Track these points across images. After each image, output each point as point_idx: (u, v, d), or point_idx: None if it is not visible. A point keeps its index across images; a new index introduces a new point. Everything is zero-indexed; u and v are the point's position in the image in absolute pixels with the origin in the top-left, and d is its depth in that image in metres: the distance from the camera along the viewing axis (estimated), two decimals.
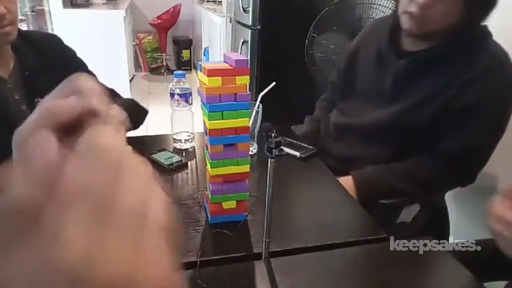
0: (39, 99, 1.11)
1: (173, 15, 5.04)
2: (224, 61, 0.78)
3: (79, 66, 1.27)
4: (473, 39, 1.04)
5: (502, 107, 1.02)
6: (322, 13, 2.00)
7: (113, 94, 1.35)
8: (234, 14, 2.90)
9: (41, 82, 1.12)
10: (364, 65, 1.25)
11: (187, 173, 1.05)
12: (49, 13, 3.66)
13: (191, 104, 1.15)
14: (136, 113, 1.30)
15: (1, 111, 1.05)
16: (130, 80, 4.37)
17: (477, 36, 1.05)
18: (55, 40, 1.23)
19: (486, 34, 1.06)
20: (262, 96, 1.06)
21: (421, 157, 1.09)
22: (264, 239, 0.69)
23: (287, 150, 1.15)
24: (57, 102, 0.22)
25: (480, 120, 1.02)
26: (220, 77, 0.72)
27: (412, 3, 1.00)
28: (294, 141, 1.23)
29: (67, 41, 1.26)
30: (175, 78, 1.13)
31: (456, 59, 1.04)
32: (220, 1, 4.20)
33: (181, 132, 1.18)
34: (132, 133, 1.35)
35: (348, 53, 1.33)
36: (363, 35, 1.31)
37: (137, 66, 5.18)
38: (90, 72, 1.31)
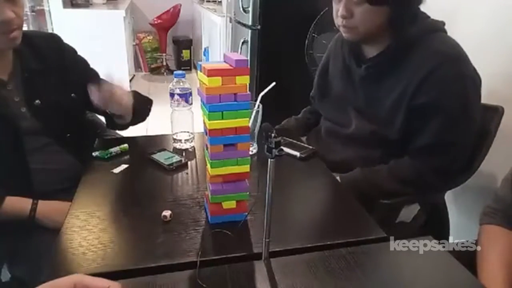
0: (38, 101, 1.11)
1: (173, 15, 5.04)
2: (224, 61, 0.78)
3: (79, 65, 1.26)
4: (419, 37, 1.06)
5: (460, 99, 1.03)
6: (322, 13, 2.00)
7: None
8: (234, 14, 2.90)
9: (40, 84, 1.11)
10: (334, 77, 1.30)
11: (187, 173, 1.05)
12: (49, 13, 3.67)
13: (191, 104, 1.15)
14: (143, 104, 1.30)
15: (0, 113, 1.04)
16: (130, 80, 4.38)
17: (424, 32, 1.06)
18: (54, 40, 1.22)
19: (436, 29, 1.08)
20: (262, 96, 1.06)
21: (402, 157, 1.12)
22: (264, 239, 0.69)
23: (287, 150, 1.15)
24: None
25: (440, 115, 1.03)
26: (220, 77, 0.72)
27: (337, 18, 1.09)
28: (294, 141, 1.23)
29: (67, 41, 1.26)
30: (175, 78, 1.13)
31: (407, 59, 1.06)
32: (220, 1, 4.20)
33: (181, 132, 1.18)
34: (132, 133, 1.36)
35: (320, 67, 1.39)
36: (330, 48, 1.36)
37: (137, 66, 5.18)
38: (91, 70, 1.30)
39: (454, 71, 1.01)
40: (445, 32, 1.10)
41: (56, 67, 1.16)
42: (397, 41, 1.07)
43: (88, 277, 0.45)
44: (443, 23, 1.11)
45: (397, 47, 1.08)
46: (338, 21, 1.10)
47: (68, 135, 1.17)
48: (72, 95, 1.18)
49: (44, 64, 1.13)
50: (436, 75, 1.01)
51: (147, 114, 1.33)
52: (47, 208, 1.04)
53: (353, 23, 1.06)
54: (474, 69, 1.05)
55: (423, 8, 1.12)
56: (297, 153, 1.15)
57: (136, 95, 1.26)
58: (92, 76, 1.29)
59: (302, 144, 1.23)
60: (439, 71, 1.01)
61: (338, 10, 1.07)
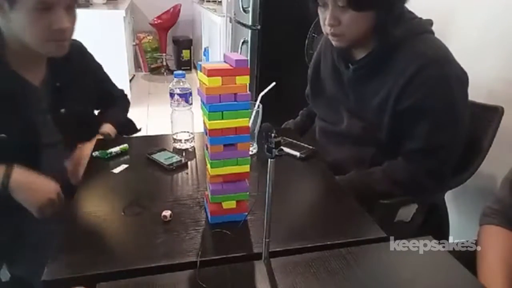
0: (64, 110, 1.12)
1: (173, 15, 5.04)
2: (224, 61, 0.78)
3: (97, 72, 1.30)
4: (404, 39, 1.06)
5: (446, 100, 1.03)
6: None
7: (121, 98, 1.38)
8: (234, 14, 2.90)
9: (68, 94, 1.13)
10: (325, 76, 1.30)
11: (187, 173, 1.05)
12: None
13: (191, 104, 1.15)
14: (125, 130, 1.35)
15: (29, 119, 1.04)
16: (130, 80, 4.37)
17: (410, 34, 1.06)
18: (80, 48, 1.24)
19: (422, 31, 1.08)
20: (262, 96, 1.06)
21: (395, 158, 1.12)
22: (264, 239, 0.69)
23: (287, 150, 1.15)
24: None
25: (427, 117, 1.03)
26: (220, 77, 0.72)
27: (326, 27, 1.08)
28: (294, 141, 1.23)
29: None
30: (175, 78, 1.13)
31: (392, 62, 1.07)
32: (220, 1, 4.20)
33: (181, 132, 1.18)
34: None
35: (312, 64, 1.39)
36: (321, 47, 1.37)
37: (137, 66, 5.18)
38: (104, 74, 1.33)
39: (438, 72, 1.01)
40: (432, 33, 1.10)
41: (82, 76, 1.18)
42: (383, 44, 1.07)
43: None
44: (430, 23, 1.11)
45: (382, 49, 1.08)
46: (326, 29, 1.10)
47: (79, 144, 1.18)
48: (89, 107, 1.20)
49: (73, 74, 1.14)
50: (419, 78, 1.01)
51: (130, 134, 1.38)
52: (23, 177, 0.96)
53: (340, 30, 1.06)
54: (461, 68, 1.04)
55: (422, 8, 1.12)
56: (297, 153, 1.15)
57: (124, 122, 1.33)
58: (102, 82, 1.31)
59: (302, 144, 1.22)
60: (423, 74, 1.01)
61: (325, 19, 1.07)
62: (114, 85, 1.40)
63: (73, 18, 1.02)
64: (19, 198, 0.95)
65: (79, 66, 1.18)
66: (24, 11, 0.92)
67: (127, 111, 1.42)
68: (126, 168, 1.06)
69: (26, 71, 1.04)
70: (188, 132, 1.18)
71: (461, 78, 1.04)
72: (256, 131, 1.12)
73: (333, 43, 1.12)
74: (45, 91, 1.09)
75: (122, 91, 1.44)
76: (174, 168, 1.05)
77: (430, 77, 1.01)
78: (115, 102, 1.38)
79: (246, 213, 0.84)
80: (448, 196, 1.30)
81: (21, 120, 1.03)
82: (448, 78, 1.02)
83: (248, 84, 0.75)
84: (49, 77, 1.10)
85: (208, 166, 0.80)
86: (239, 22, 2.77)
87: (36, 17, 0.93)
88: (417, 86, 1.02)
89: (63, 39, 1.00)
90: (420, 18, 1.10)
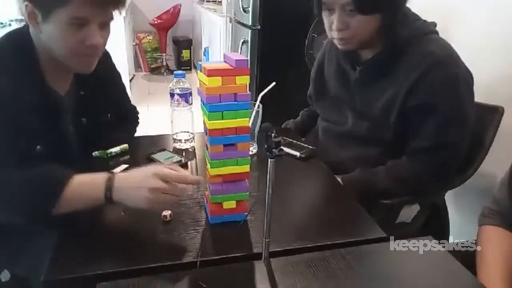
0: (84, 119, 1.10)
1: (173, 15, 5.04)
2: (224, 61, 0.78)
3: (118, 81, 1.28)
4: (410, 40, 1.06)
5: (453, 100, 1.03)
6: None
7: (133, 115, 1.37)
8: (234, 14, 2.90)
9: (91, 103, 1.11)
10: (329, 77, 1.30)
11: None
12: None
13: (191, 104, 1.15)
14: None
15: (60, 129, 1.02)
16: (130, 80, 4.37)
17: (415, 35, 1.06)
18: (107, 56, 1.21)
19: (427, 32, 1.08)
20: (262, 96, 1.06)
21: (401, 158, 1.12)
22: (264, 239, 0.69)
23: (287, 150, 1.15)
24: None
25: (435, 116, 1.04)
26: (220, 77, 0.72)
27: (333, 31, 1.08)
28: (294, 141, 1.23)
29: None
30: (175, 78, 1.13)
31: (399, 62, 1.07)
32: (220, 1, 4.20)
33: (181, 132, 1.18)
34: None
35: (315, 66, 1.38)
36: (325, 48, 1.36)
37: (137, 66, 5.18)
38: (122, 84, 1.32)
39: (445, 72, 1.02)
40: (437, 33, 1.10)
41: (106, 86, 1.16)
42: (389, 45, 1.07)
43: None
44: (434, 25, 1.11)
45: (389, 50, 1.08)
46: (333, 34, 1.08)
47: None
48: (108, 115, 1.19)
49: (97, 83, 1.12)
50: (427, 78, 1.01)
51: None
52: (122, 184, 0.82)
53: (349, 34, 1.05)
54: (466, 68, 1.05)
55: (422, 8, 1.12)
56: (297, 153, 1.15)
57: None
58: (120, 92, 1.30)
59: (302, 144, 1.22)
60: (430, 74, 1.01)
61: (332, 23, 1.06)
62: (128, 98, 1.38)
63: (106, 34, 0.99)
64: (124, 203, 0.83)
65: (104, 74, 1.15)
66: (57, 24, 0.89)
67: (134, 132, 1.37)
68: (126, 168, 1.06)
69: (55, 81, 1.03)
70: (188, 132, 1.18)
71: (467, 77, 1.05)
72: (256, 131, 1.12)
73: (340, 46, 1.11)
74: (70, 101, 1.07)
75: (134, 107, 1.42)
76: None
77: (438, 76, 1.01)
78: (126, 118, 1.34)
79: (246, 213, 0.84)
80: (448, 196, 1.30)
81: (54, 132, 1.01)
82: (455, 78, 1.02)
83: (248, 84, 0.75)
84: (74, 86, 1.08)
85: (208, 166, 0.80)
86: (239, 22, 2.77)
87: (70, 31, 0.90)
88: (425, 86, 1.02)
89: (93, 55, 0.98)
90: (424, 20, 1.10)
